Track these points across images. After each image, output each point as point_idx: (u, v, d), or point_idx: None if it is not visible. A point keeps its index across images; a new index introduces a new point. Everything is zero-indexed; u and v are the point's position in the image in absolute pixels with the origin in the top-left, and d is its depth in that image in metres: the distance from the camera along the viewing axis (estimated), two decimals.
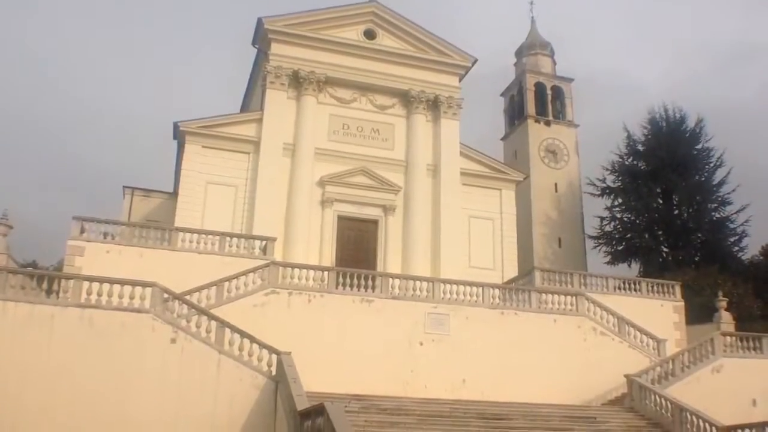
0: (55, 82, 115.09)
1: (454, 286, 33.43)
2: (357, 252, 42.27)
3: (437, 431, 24.13)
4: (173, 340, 24.54)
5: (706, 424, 26.41)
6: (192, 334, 24.95)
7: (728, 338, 34.45)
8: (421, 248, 43.17)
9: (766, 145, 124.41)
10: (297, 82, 44.00)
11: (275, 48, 44.31)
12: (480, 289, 33.71)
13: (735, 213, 61.86)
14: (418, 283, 33.14)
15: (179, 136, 42.19)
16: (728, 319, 43.23)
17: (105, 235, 33.33)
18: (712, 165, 63.04)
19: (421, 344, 31.26)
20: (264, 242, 35.33)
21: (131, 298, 24.91)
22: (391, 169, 44.71)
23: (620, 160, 64.92)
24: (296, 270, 31.74)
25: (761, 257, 62.38)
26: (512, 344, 32.15)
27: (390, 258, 42.59)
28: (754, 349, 34.05)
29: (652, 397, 29.40)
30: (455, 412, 26.54)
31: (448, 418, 25.85)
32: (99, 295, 24.74)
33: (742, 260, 61.62)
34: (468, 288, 33.62)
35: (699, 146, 63.68)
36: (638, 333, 34.89)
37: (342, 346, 29.39)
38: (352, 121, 45.05)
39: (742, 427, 25.63)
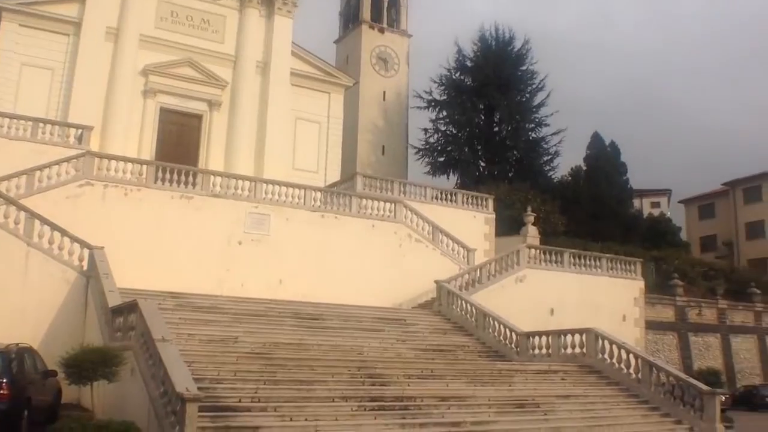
0: None
1: (277, 187, 33.25)
2: (178, 147, 41.04)
3: (252, 329, 24.40)
4: None
5: (507, 330, 27.94)
6: None
7: (533, 251, 36.51)
8: (245, 147, 42.62)
9: (584, 74, 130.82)
10: None
11: None
12: (302, 191, 33.77)
13: (550, 135, 65.28)
14: (240, 182, 32.72)
15: None
16: (534, 233, 45.81)
17: None
18: (534, 87, 65.91)
19: (240, 243, 31.18)
20: (80, 131, 33.56)
21: None
22: (219, 63, 43.38)
23: (448, 73, 66.44)
24: (113, 162, 30.36)
25: (569, 178, 66.72)
26: (331, 247, 32.68)
27: (213, 155, 41.81)
28: (556, 262, 36.30)
29: (459, 302, 30.85)
30: (270, 312, 26.90)
31: (263, 317, 26.18)
32: None
33: (552, 179, 65.59)
34: (290, 189, 33.55)
35: (524, 68, 66.15)
36: (450, 241, 36.25)
37: (159, 243, 28.73)
38: (181, 9, 43.00)
39: (540, 333, 27.15)
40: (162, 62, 41.60)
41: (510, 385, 22.48)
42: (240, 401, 16.74)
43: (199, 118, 42.57)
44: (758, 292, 55.50)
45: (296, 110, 45.27)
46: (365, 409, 17.90)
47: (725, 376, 45.85)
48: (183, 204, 30.58)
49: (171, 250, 28.83)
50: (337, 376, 19.94)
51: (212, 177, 32.30)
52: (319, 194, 34.91)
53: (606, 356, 25.12)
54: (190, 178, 31.40)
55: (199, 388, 14.88)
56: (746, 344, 52.72)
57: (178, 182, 31.02)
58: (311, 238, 32.47)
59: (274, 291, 29.96)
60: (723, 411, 23.30)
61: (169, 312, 23.15)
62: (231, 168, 39.84)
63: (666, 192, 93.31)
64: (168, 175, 30.98)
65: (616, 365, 24.71)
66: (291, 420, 16.39)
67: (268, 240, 31.76)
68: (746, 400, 43.48)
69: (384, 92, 66.73)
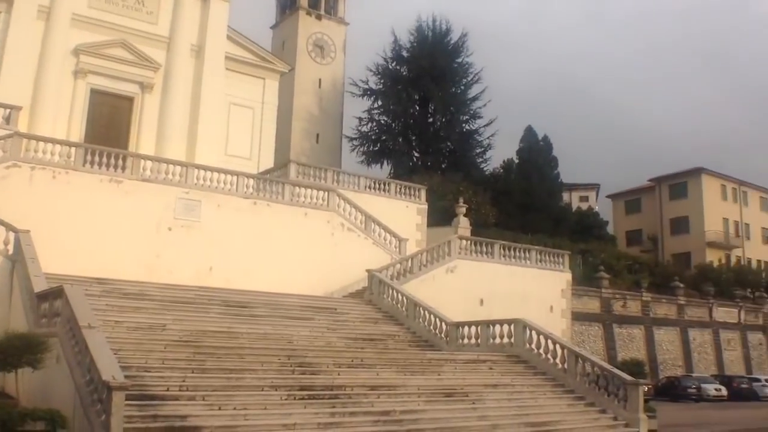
0: None
1: (209, 173, 32.74)
2: (109, 129, 40.10)
3: (180, 317, 24.13)
4: None
5: (437, 319, 28.26)
6: None
7: (464, 242, 36.90)
8: (177, 131, 41.81)
9: (519, 69, 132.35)
10: None
11: None
12: (234, 177, 33.35)
13: (483, 127, 66.07)
14: (171, 166, 32.08)
15: None
16: (466, 224, 46.26)
17: None
18: (469, 79, 66.53)
19: (170, 230, 30.66)
20: (8, 111, 32.44)
21: None
22: (152, 45, 42.45)
23: (385, 63, 66.68)
24: (41, 143, 29.45)
25: (501, 170, 67.73)
26: (263, 235, 32.42)
27: (144, 139, 40.89)
28: (486, 253, 36.79)
29: (390, 291, 31.05)
30: (199, 299, 26.67)
31: (191, 304, 25.95)
32: None
33: (484, 171, 66.54)
34: (222, 176, 33.07)
35: (459, 60, 66.70)
36: (383, 231, 36.39)
37: (87, 227, 28.06)
38: None
39: (469, 323, 27.51)
40: (94, 42, 40.53)
41: (439, 375, 22.72)
42: (168, 390, 16.56)
43: (130, 100, 41.62)
44: (681, 285, 57.26)
45: (230, 95, 44.64)
46: (295, 398, 17.90)
47: (648, 367, 47.05)
48: (112, 188, 29.91)
49: (100, 235, 28.21)
50: (267, 365, 19.90)
51: (143, 161, 31.65)
52: (251, 181, 34.51)
53: (533, 346, 25.55)
54: (120, 162, 30.69)
55: (126, 376, 14.68)
56: (669, 336, 54.32)
57: (108, 165, 30.26)
58: (243, 225, 32.16)
59: (204, 278, 29.64)
60: (646, 401, 23.90)
61: (95, 298, 22.78)
62: (162, 152, 39.07)
63: (594, 186, 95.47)
64: (97, 158, 30.21)
65: (543, 355, 25.15)
66: (220, 409, 16.29)
67: (198, 226, 31.31)
68: (668, 391, 44.89)
69: (320, 80, 66.56)
